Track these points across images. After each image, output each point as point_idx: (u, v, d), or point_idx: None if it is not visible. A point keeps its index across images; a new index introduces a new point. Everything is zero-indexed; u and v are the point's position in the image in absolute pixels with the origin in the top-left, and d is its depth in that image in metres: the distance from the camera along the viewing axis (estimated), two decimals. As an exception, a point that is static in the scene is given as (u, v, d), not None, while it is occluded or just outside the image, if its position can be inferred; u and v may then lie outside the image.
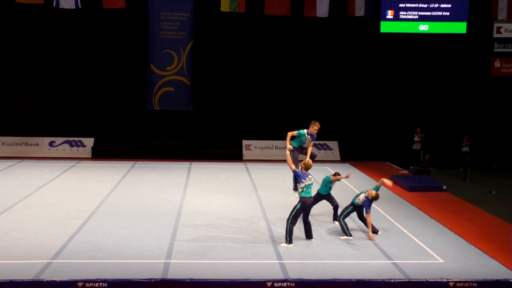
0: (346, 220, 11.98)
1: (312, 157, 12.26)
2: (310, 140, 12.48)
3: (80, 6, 20.01)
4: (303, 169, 11.29)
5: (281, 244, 11.12)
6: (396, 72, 22.39)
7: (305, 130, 12.44)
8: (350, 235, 11.77)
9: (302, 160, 11.64)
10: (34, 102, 21.78)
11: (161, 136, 22.00)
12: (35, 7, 20.40)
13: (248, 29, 21.88)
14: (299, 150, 12.50)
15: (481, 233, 12.54)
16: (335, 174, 12.50)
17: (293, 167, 11.45)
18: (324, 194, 12.60)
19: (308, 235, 11.48)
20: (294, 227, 11.18)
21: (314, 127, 12.40)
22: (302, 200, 11.17)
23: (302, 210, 11.21)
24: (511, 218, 14.19)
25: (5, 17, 21.22)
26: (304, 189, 11.15)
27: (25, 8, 20.62)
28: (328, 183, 12.51)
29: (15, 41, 21.49)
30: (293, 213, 11.17)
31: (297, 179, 11.27)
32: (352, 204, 12.01)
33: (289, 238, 11.13)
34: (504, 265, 10.33)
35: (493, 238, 12.20)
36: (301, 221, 11.47)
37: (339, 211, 12.40)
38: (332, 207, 12.76)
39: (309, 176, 11.22)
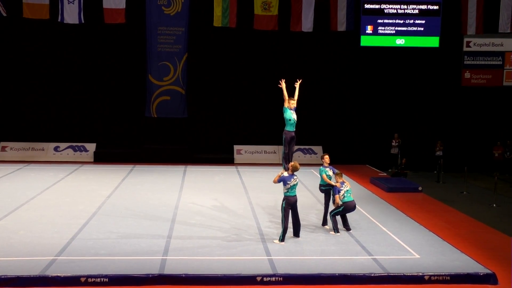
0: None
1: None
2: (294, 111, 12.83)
3: (83, 21, 20.00)
4: (290, 171, 11.27)
5: (273, 241, 11.08)
6: (375, 82, 22.48)
7: (289, 111, 12.78)
8: (338, 232, 11.78)
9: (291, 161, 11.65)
10: (40, 110, 21.66)
11: (158, 142, 21.93)
12: (42, 22, 20.32)
13: (239, 43, 21.89)
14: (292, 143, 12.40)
15: (453, 230, 12.58)
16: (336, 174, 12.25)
17: (276, 180, 11.22)
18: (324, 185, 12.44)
19: (296, 233, 11.44)
20: (288, 227, 11.15)
21: (291, 101, 12.87)
22: (286, 198, 11.16)
23: (288, 206, 11.19)
24: (481, 216, 14.29)
25: (14, 30, 21.10)
26: (289, 189, 11.14)
27: (33, 23, 20.51)
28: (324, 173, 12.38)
29: (24, 53, 21.39)
30: (283, 213, 11.14)
31: (283, 183, 11.15)
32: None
33: (283, 237, 11.10)
34: (474, 260, 10.36)
35: (464, 235, 12.25)
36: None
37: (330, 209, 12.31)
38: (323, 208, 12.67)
39: (295, 177, 11.21)
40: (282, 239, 11.09)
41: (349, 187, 11.97)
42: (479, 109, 22.64)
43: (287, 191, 11.14)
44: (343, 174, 12.27)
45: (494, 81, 22.20)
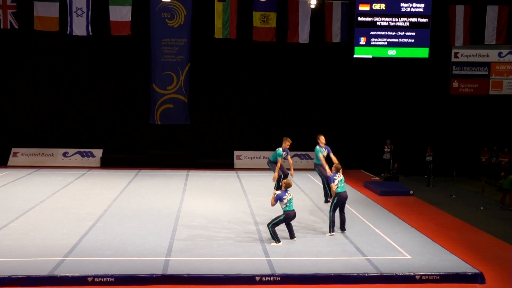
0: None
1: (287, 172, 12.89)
2: (286, 154, 13.06)
3: (90, 33, 20.04)
4: (283, 187, 11.19)
5: (271, 244, 11.05)
6: (368, 91, 22.49)
7: (280, 148, 12.92)
8: (333, 231, 11.75)
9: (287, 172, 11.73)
10: (49, 118, 21.63)
11: (162, 147, 21.91)
12: (52, 34, 20.35)
13: (239, 54, 21.91)
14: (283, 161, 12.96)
15: (443, 232, 12.58)
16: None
17: (273, 203, 11.14)
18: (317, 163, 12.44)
19: (292, 235, 11.41)
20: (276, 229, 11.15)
21: (286, 143, 12.97)
22: (286, 213, 11.09)
23: (285, 220, 11.15)
24: (469, 218, 14.29)
25: (25, 42, 21.11)
26: (287, 204, 11.07)
27: (43, 35, 20.54)
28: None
29: (34, 64, 21.37)
30: (275, 221, 11.10)
31: (279, 200, 11.01)
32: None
33: (276, 238, 11.08)
34: (463, 260, 10.36)
35: (453, 236, 12.25)
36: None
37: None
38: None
39: (288, 192, 11.13)
40: (277, 240, 11.08)
41: (342, 177, 11.83)
42: (466, 117, 22.67)
43: (286, 206, 11.07)
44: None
45: (481, 90, 22.25)
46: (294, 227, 11.47)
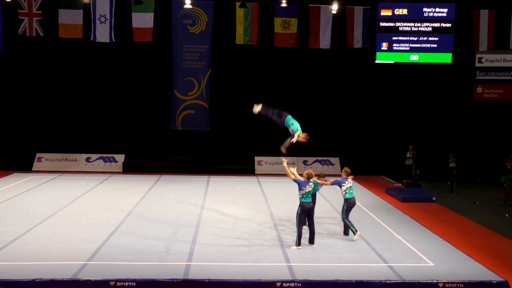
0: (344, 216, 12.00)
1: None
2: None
3: (114, 40, 20.29)
4: (305, 178, 11.24)
5: (291, 247, 11.05)
6: (390, 97, 22.34)
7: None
8: (356, 230, 11.79)
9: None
10: (73, 124, 21.92)
11: (183, 153, 22.03)
12: (76, 41, 20.67)
13: (260, 59, 21.96)
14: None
15: (466, 239, 12.40)
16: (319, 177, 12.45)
17: (293, 177, 11.27)
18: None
19: (311, 240, 11.38)
20: (302, 231, 11.15)
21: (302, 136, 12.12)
22: (301, 204, 11.17)
23: (303, 213, 11.17)
24: (493, 226, 14.06)
25: (50, 49, 21.46)
26: (304, 195, 11.13)
27: (67, 42, 20.87)
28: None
29: (59, 70, 21.70)
30: (297, 219, 11.15)
31: (298, 186, 11.15)
32: (344, 200, 11.95)
33: (298, 241, 11.08)
34: (487, 268, 10.19)
35: (477, 244, 12.07)
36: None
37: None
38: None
39: (310, 184, 11.20)
40: (298, 243, 11.09)
41: (351, 184, 11.96)
42: (491, 123, 22.34)
43: (302, 197, 11.13)
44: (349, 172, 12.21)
45: (506, 95, 21.94)
46: (316, 235, 11.43)
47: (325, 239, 11.86)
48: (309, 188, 11.11)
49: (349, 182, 11.92)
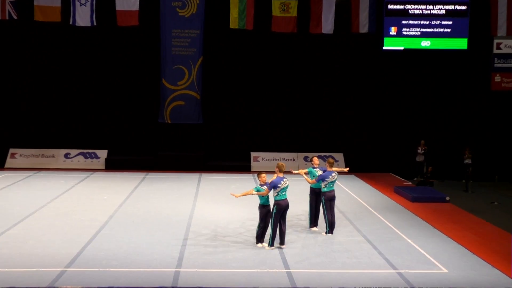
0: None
1: None
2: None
3: (95, 24, 20.21)
4: (279, 173, 11.35)
5: (263, 246, 11.29)
6: (399, 87, 22.35)
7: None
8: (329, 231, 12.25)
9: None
10: (50, 116, 21.88)
11: (172, 148, 22.02)
12: (53, 25, 20.57)
13: (256, 46, 21.94)
14: None
15: (483, 243, 12.42)
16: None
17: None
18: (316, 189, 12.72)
19: (282, 242, 11.43)
20: (277, 231, 11.30)
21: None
22: (276, 203, 11.24)
23: (279, 213, 11.24)
24: (512, 228, 14.10)
25: (24, 34, 21.39)
26: (279, 192, 11.21)
27: (44, 26, 20.78)
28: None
29: (34, 57, 21.66)
30: (273, 219, 11.26)
31: (274, 186, 11.18)
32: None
33: (272, 242, 11.25)
34: (506, 275, 10.21)
35: (495, 248, 12.08)
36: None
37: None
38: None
39: (284, 180, 11.27)
40: (271, 244, 11.25)
41: (335, 179, 12.36)
42: (510, 115, 22.37)
43: (277, 195, 11.20)
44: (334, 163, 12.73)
45: (527, 85, 21.96)
46: (316, 237, 11.44)
47: (326, 243, 11.86)
48: (283, 184, 11.23)
49: (333, 177, 12.30)
